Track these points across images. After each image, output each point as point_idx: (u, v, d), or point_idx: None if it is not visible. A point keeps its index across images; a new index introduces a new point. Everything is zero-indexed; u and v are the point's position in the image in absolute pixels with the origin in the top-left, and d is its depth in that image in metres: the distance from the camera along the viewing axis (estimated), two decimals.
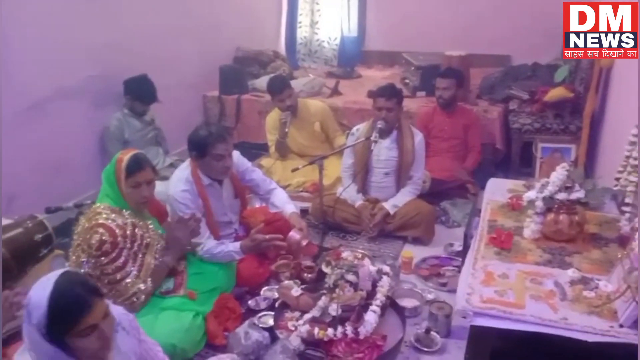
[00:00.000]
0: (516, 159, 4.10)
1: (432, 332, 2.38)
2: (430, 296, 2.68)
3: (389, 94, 3.21)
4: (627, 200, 2.19)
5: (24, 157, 3.19)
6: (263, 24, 6.01)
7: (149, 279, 2.26)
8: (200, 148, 2.55)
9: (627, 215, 2.15)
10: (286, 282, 2.58)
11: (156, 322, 2.18)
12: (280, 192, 2.94)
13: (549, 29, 4.69)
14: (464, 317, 1.87)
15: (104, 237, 2.14)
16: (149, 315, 2.20)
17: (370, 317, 2.18)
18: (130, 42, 3.91)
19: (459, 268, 2.90)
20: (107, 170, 2.30)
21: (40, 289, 1.33)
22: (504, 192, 2.64)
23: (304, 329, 2.18)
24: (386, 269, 2.44)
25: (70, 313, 1.32)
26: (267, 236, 2.57)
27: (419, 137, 3.35)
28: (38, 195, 3.18)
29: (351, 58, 6.11)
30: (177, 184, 2.61)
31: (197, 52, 4.70)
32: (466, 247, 2.45)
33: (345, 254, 2.54)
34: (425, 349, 2.31)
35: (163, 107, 3.95)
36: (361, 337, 2.13)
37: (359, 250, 2.92)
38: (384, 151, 3.34)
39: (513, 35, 5.26)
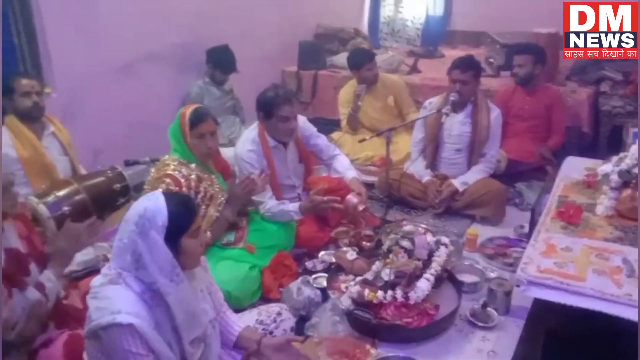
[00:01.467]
0: (604, 144, 3.81)
1: (489, 308, 2.28)
2: (492, 274, 2.58)
3: (465, 65, 3.10)
4: None
5: (111, 114, 3.43)
6: (345, 1, 5.99)
7: (209, 230, 2.36)
8: (267, 109, 2.61)
9: None
10: (344, 247, 2.59)
11: (214, 270, 2.24)
12: (343, 158, 2.95)
13: None
14: (518, 286, 1.78)
15: (170, 187, 2.26)
16: (208, 263, 2.30)
17: (422, 284, 2.14)
18: (214, 12, 4.06)
19: None
20: (172, 126, 2.42)
21: (151, 201, 1.50)
22: (581, 170, 2.48)
23: (355, 289, 2.18)
24: (445, 240, 2.37)
25: (187, 212, 1.52)
26: (325, 198, 2.59)
27: (495, 112, 3.20)
28: (122, 151, 3.40)
29: (435, 37, 5.95)
30: (244, 144, 2.70)
31: (278, 26, 4.79)
32: (533, 224, 2.33)
33: (407, 227, 2.50)
34: (481, 324, 2.22)
35: (242, 78, 4.08)
36: (411, 302, 2.09)
37: (422, 225, 2.86)
38: (457, 126, 3.23)
39: None
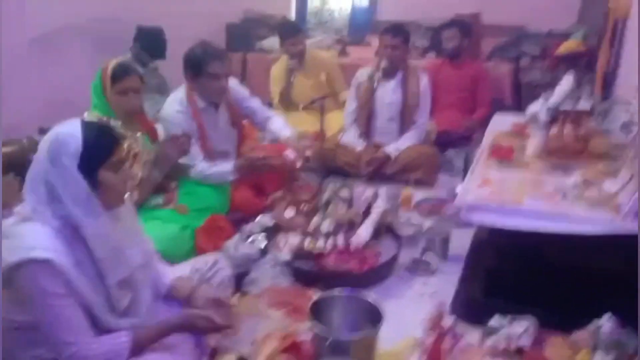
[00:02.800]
0: None
1: (428, 254, 2.28)
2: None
3: (396, 30, 3.15)
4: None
5: (26, 89, 3.17)
6: None
7: (134, 191, 2.20)
8: (196, 66, 2.49)
9: None
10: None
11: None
12: (278, 118, 2.87)
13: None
14: (457, 215, 1.78)
15: None
16: None
17: (363, 230, 2.11)
18: None
19: None
20: (94, 82, 2.25)
21: (65, 127, 1.38)
22: (509, 125, 2.56)
23: (294, 240, 2.11)
24: (381, 191, 2.36)
25: (105, 141, 1.39)
26: (261, 154, 2.50)
27: (424, 80, 3.26)
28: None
29: (362, 28, 6.01)
30: (171, 104, 2.56)
31: (207, 8, 4.66)
32: (466, 170, 2.37)
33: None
34: (421, 270, 2.22)
35: (170, 58, 3.91)
36: (352, 248, 2.05)
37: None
38: (389, 94, 3.26)
39: (527, 4, 5.13)
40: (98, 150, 1.38)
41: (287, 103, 3.93)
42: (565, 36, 4.19)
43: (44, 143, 1.37)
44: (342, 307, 1.71)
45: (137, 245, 1.56)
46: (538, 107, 2.05)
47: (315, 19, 6.30)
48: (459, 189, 1.82)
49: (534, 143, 2.06)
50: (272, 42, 4.94)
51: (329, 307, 1.70)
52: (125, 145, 2.04)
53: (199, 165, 2.51)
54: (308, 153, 2.77)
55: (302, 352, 1.69)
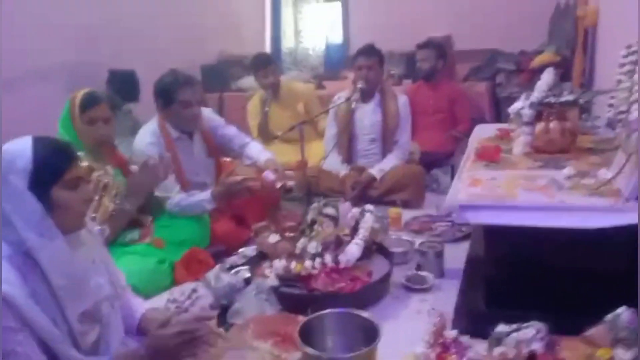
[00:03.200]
0: None
1: (423, 272, 2.15)
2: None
3: (369, 52, 3.13)
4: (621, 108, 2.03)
5: None
6: (247, 32, 6.01)
7: (107, 226, 2.07)
8: (166, 95, 2.42)
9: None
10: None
11: (117, 265, 1.96)
12: (256, 144, 2.78)
13: (534, 16, 4.70)
14: (451, 215, 1.66)
15: None
16: None
17: (352, 248, 1.98)
18: (112, 30, 3.85)
19: (452, 222, 2.71)
20: (62, 114, 2.17)
21: (14, 143, 1.27)
22: (493, 131, 2.49)
23: (280, 264, 1.97)
24: (369, 207, 2.25)
25: (58, 157, 1.28)
26: (239, 178, 2.38)
27: (402, 99, 3.22)
28: None
29: (336, 64, 6.07)
30: (142, 137, 2.46)
31: (181, 49, 4.64)
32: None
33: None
34: (417, 287, 2.08)
35: (143, 99, 3.85)
36: (341, 266, 1.92)
37: None
38: (368, 115, 3.20)
39: (498, 28, 5.21)
40: (50, 167, 1.26)
41: (266, 136, 3.86)
42: (538, 52, 4.22)
43: None
44: (333, 328, 1.56)
45: (103, 275, 1.42)
46: (521, 104, 1.98)
47: (290, 58, 6.36)
48: (451, 189, 1.70)
49: (520, 141, 1.98)
50: (249, 81, 4.91)
51: (320, 329, 1.55)
52: (93, 176, 1.93)
53: (175, 197, 2.38)
54: (289, 181, 2.66)
55: None
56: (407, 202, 3.01)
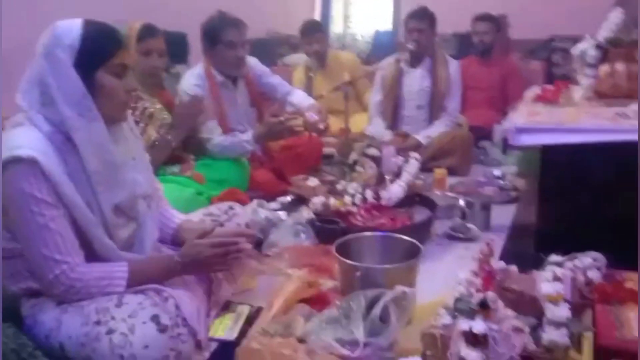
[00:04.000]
0: None
1: (468, 224, 2.04)
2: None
3: (421, 14, 3.03)
4: None
5: None
6: (296, 15, 5.99)
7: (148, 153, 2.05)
8: (212, 35, 2.40)
9: None
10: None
11: None
12: (299, 91, 2.73)
13: (591, 4, 4.48)
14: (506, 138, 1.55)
15: None
16: None
17: (395, 187, 1.89)
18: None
19: (501, 187, 2.59)
20: None
21: (67, 20, 1.24)
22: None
23: (319, 200, 1.90)
24: (414, 154, 2.15)
25: (107, 40, 1.25)
26: (282, 118, 2.33)
27: (454, 64, 3.12)
28: None
29: (385, 50, 5.97)
30: (188, 79, 2.46)
31: None
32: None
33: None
34: (461, 235, 1.97)
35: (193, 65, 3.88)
36: (382, 202, 1.83)
37: None
38: (416, 81, 3.11)
39: (556, 17, 5.00)
40: (97, 48, 1.23)
41: None
42: None
43: (42, 38, 1.23)
44: (372, 249, 1.48)
45: (141, 172, 1.39)
46: (585, 44, 1.85)
47: (338, 44, 6.29)
48: (507, 119, 1.60)
49: (582, 84, 1.85)
50: (294, 58, 4.90)
51: (357, 250, 1.48)
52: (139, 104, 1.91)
53: (217, 137, 2.36)
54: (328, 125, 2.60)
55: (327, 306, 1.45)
56: (453, 168, 2.87)
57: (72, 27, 1.22)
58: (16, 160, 1.14)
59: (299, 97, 2.64)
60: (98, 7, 3.39)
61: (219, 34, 2.37)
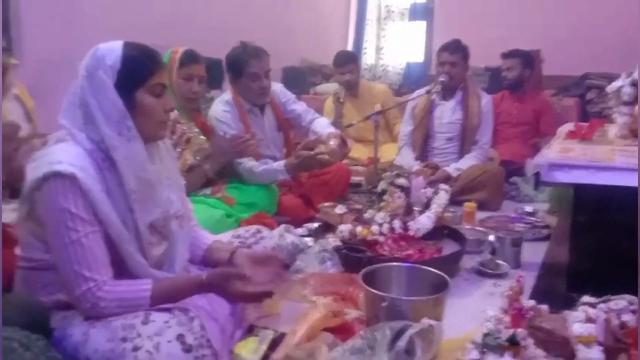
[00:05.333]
0: None
1: (498, 261, 2.00)
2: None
3: (454, 47, 3.05)
4: None
5: None
6: (329, 45, 6.10)
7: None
8: (236, 66, 2.48)
9: None
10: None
11: None
12: (322, 119, 2.76)
13: (626, 42, 4.43)
14: (538, 174, 1.52)
15: None
16: None
17: (423, 218, 1.88)
18: (203, 21, 4.03)
19: (532, 224, 2.55)
20: None
21: (109, 43, 1.30)
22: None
23: (346, 227, 1.90)
24: (444, 186, 2.14)
25: (146, 60, 1.29)
26: (312, 152, 2.36)
27: (486, 98, 3.12)
28: None
29: (416, 81, 6.01)
30: (217, 106, 2.53)
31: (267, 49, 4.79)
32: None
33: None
34: (490, 271, 1.93)
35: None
36: (410, 233, 1.82)
37: None
38: (448, 113, 3.11)
39: (590, 54, 4.95)
40: (137, 69, 1.28)
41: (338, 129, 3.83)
42: None
43: (84, 60, 1.29)
44: (399, 280, 1.47)
45: (174, 192, 1.42)
46: (621, 82, 1.83)
47: (369, 74, 6.37)
48: (539, 155, 1.58)
49: (617, 122, 1.83)
50: (327, 87, 4.97)
51: (384, 280, 1.47)
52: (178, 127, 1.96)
53: (248, 162, 2.40)
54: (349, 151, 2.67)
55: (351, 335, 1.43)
56: (483, 202, 2.83)
57: (113, 49, 1.28)
58: (56, 175, 1.18)
59: (321, 125, 2.68)
60: (136, 33, 3.55)
61: (243, 66, 2.45)
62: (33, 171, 1.21)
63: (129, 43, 1.31)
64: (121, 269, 1.27)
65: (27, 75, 2.94)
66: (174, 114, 2.11)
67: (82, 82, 1.27)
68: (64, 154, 1.22)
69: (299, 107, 2.72)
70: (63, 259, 1.20)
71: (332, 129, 2.64)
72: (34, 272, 1.29)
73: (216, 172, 2.29)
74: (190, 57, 2.18)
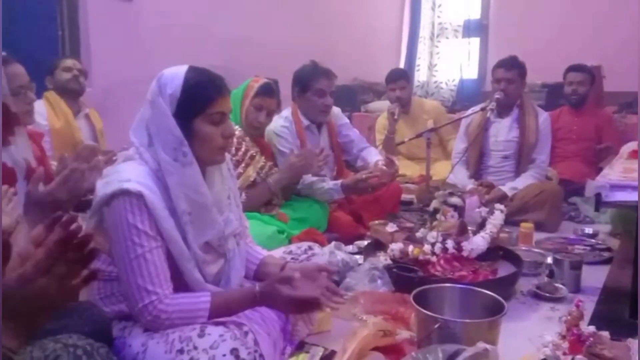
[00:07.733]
0: None
1: (556, 284, 1.93)
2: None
3: (511, 64, 2.99)
4: None
5: None
6: (381, 63, 6.12)
7: (244, 192, 2.15)
8: (304, 82, 2.54)
9: None
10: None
11: None
12: (373, 149, 2.84)
13: None
14: (599, 195, 1.46)
15: None
16: None
17: (477, 239, 1.84)
18: (258, 43, 4.15)
19: (593, 246, 2.45)
20: (235, 90, 2.31)
21: (174, 68, 1.33)
22: None
23: (396, 246, 1.89)
24: (500, 206, 2.09)
25: (207, 89, 1.30)
26: (364, 175, 2.38)
27: (543, 115, 3.03)
28: None
29: (469, 98, 5.92)
30: (277, 121, 2.58)
31: None
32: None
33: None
34: (548, 295, 1.86)
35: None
36: (464, 254, 1.78)
37: None
38: (504, 131, 3.04)
39: None
40: (197, 98, 1.30)
41: (391, 148, 3.82)
42: None
43: (151, 84, 1.35)
44: (452, 302, 1.44)
45: (234, 212, 1.46)
46: None
47: (421, 91, 6.33)
48: (600, 175, 1.53)
49: None
50: (378, 105, 4.98)
51: (437, 301, 1.44)
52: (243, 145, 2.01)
53: (309, 178, 2.44)
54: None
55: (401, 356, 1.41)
56: (540, 223, 2.74)
57: (175, 76, 1.30)
58: (124, 193, 1.23)
59: (370, 155, 2.73)
60: (199, 53, 3.70)
61: (311, 82, 2.51)
62: (103, 187, 1.27)
63: (192, 69, 1.33)
64: (179, 284, 1.31)
65: (95, 98, 3.14)
66: (238, 132, 2.19)
67: (147, 106, 1.33)
68: (133, 173, 1.27)
69: (353, 134, 2.81)
70: (128, 272, 1.24)
71: (379, 157, 2.70)
72: (99, 282, 1.35)
73: (280, 188, 2.33)
74: (266, 90, 2.26)
